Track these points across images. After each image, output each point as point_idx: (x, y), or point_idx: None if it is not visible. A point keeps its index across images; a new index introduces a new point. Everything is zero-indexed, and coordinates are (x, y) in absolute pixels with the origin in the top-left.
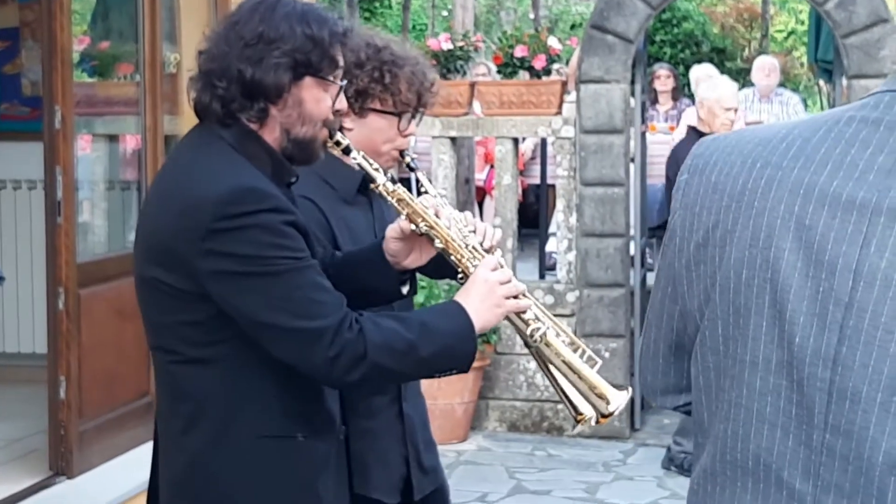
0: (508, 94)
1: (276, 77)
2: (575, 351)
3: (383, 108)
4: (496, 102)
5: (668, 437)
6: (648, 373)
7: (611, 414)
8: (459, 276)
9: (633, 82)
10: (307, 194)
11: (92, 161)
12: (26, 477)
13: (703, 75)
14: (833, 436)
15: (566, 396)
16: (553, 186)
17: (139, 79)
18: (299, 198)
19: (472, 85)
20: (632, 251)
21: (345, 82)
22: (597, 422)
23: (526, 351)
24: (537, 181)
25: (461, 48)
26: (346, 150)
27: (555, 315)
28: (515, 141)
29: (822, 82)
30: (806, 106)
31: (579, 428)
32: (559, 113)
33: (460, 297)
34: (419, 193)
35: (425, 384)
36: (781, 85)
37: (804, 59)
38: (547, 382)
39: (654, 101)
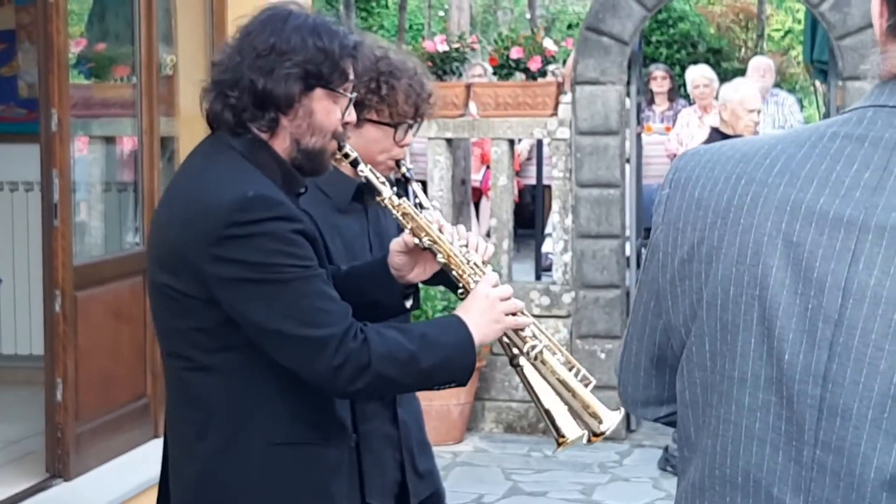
0: (504, 96)
1: (287, 87)
2: (570, 370)
3: (379, 119)
4: (492, 104)
5: (663, 438)
6: (629, 385)
7: (602, 433)
8: (460, 291)
9: (628, 83)
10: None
11: (88, 163)
12: (23, 479)
13: (698, 76)
14: (824, 452)
15: (549, 417)
16: (549, 187)
17: (135, 81)
18: None
19: (468, 86)
20: (627, 252)
21: (355, 95)
22: (588, 441)
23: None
24: (534, 182)
25: (457, 50)
26: (354, 163)
27: (551, 316)
28: (511, 142)
29: (818, 83)
30: (802, 107)
31: (561, 450)
32: (555, 114)
33: (461, 312)
34: (416, 205)
35: None
36: (777, 85)
37: (801, 59)
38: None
39: (651, 101)
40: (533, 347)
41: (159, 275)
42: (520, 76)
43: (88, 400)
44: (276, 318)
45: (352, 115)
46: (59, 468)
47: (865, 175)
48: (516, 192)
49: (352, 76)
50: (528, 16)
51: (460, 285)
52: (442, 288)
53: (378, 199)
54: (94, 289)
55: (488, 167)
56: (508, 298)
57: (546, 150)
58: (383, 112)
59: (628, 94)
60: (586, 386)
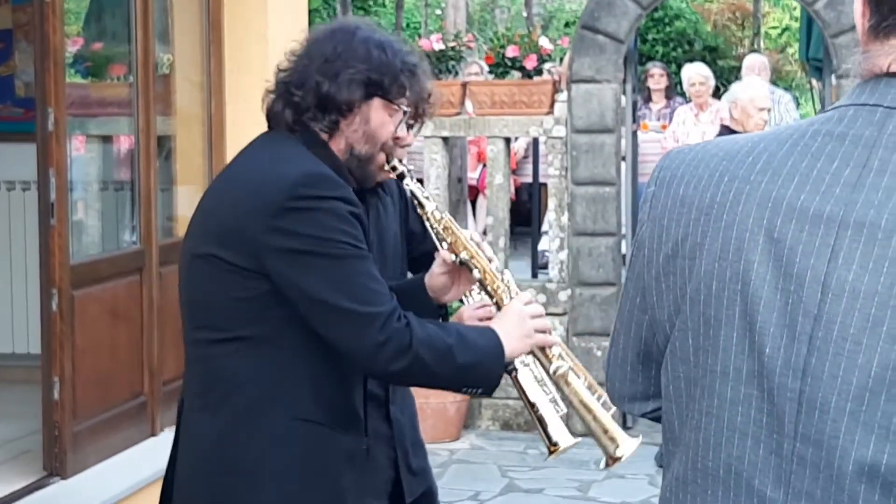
0: (500, 94)
1: (349, 92)
2: (593, 394)
3: None
4: (488, 102)
5: (660, 434)
6: (616, 380)
7: (620, 458)
8: (493, 307)
9: (624, 81)
10: None
11: (85, 162)
12: (20, 477)
13: (694, 73)
14: (803, 444)
15: (541, 424)
16: (546, 185)
17: (132, 80)
18: None
19: (464, 85)
20: (623, 250)
21: (409, 110)
22: (606, 465)
23: None
24: (530, 180)
25: (453, 48)
26: (401, 177)
27: (547, 314)
28: (507, 140)
29: (813, 80)
30: (798, 104)
31: (552, 458)
32: (550, 112)
33: (494, 324)
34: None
35: None
36: (774, 83)
37: (797, 56)
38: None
39: (648, 99)
40: (559, 367)
41: (205, 246)
42: (516, 74)
43: (85, 398)
44: (328, 291)
45: (403, 132)
46: (56, 466)
47: (845, 172)
48: (513, 190)
49: (408, 93)
50: (524, 14)
51: (494, 300)
52: None
53: (420, 212)
54: (91, 287)
55: (485, 165)
56: (540, 316)
57: (542, 148)
58: None
59: (624, 92)
60: (608, 410)
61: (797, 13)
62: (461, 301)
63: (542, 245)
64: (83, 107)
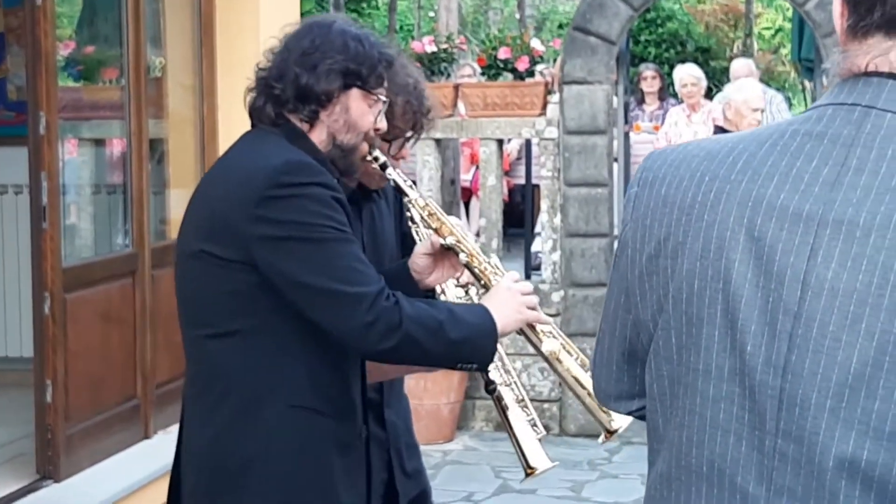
0: (492, 96)
1: (328, 82)
2: (585, 371)
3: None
4: (480, 104)
5: None
6: (602, 379)
7: (615, 431)
8: (482, 289)
9: (616, 83)
10: None
11: (78, 165)
12: (13, 481)
13: (686, 75)
14: (785, 441)
15: (519, 447)
16: (538, 186)
17: (124, 83)
18: None
19: (457, 87)
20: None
21: (387, 101)
22: (604, 439)
23: (512, 351)
24: (523, 181)
25: (445, 51)
26: (383, 167)
27: None
28: (500, 142)
29: (806, 81)
30: (790, 105)
31: (528, 480)
32: (543, 114)
33: (485, 300)
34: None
35: (411, 384)
36: (766, 84)
37: (790, 57)
38: (533, 382)
39: (641, 101)
40: (551, 345)
41: (196, 243)
42: (508, 76)
43: (78, 401)
44: (313, 274)
45: (382, 123)
46: (49, 470)
47: (824, 171)
48: (506, 191)
49: (386, 84)
50: (517, 16)
51: (482, 282)
52: None
53: (405, 199)
54: (84, 290)
55: (478, 167)
56: (529, 294)
57: (535, 150)
58: None
59: (616, 94)
60: None
61: (790, 14)
62: (481, 283)
63: (535, 246)
64: (75, 110)
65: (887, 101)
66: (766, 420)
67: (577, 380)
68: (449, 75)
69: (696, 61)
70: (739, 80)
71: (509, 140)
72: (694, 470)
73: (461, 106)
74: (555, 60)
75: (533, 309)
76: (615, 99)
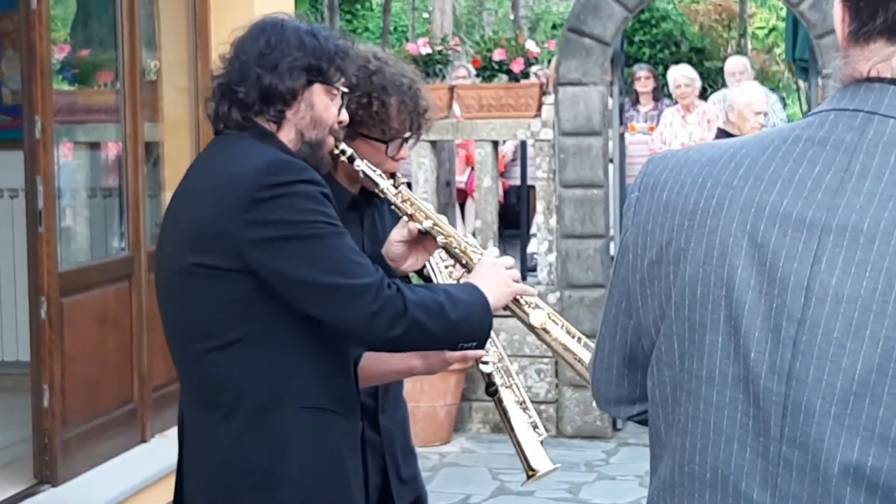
0: (487, 98)
1: (292, 80)
2: (572, 338)
3: (370, 135)
4: (475, 106)
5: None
6: (602, 384)
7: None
8: (463, 269)
9: (611, 84)
10: None
11: (73, 169)
12: (10, 485)
13: (679, 75)
14: (789, 448)
15: (520, 448)
16: (534, 188)
17: (119, 86)
18: None
19: (452, 89)
20: (612, 252)
21: (348, 92)
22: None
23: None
24: (518, 183)
25: (439, 52)
26: (351, 159)
27: None
28: (495, 144)
29: (800, 81)
30: (785, 105)
31: (529, 483)
32: (538, 115)
33: (472, 278)
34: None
35: (408, 387)
36: (760, 83)
37: (784, 57)
38: (530, 383)
39: (636, 101)
40: (538, 316)
41: (185, 257)
42: (503, 78)
43: (75, 405)
44: (313, 271)
45: (344, 115)
46: (46, 474)
47: (827, 177)
48: (501, 193)
49: (345, 74)
50: (511, 17)
51: (463, 262)
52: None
53: (377, 190)
54: (80, 295)
55: (473, 169)
56: (512, 267)
57: (530, 151)
58: (375, 128)
59: (611, 95)
60: (590, 351)
61: (784, 13)
62: (419, 274)
63: (531, 248)
64: (70, 114)
65: (889, 106)
66: (770, 426)
67: (566, 348)
68: (444, 77)
69: (690, 62)
70: (742, 83)
71: (504, 141)
72: (697, 476)
73: (456, 108)
74: (549, 62)
75: (517, 282)
76: (610, 100)
